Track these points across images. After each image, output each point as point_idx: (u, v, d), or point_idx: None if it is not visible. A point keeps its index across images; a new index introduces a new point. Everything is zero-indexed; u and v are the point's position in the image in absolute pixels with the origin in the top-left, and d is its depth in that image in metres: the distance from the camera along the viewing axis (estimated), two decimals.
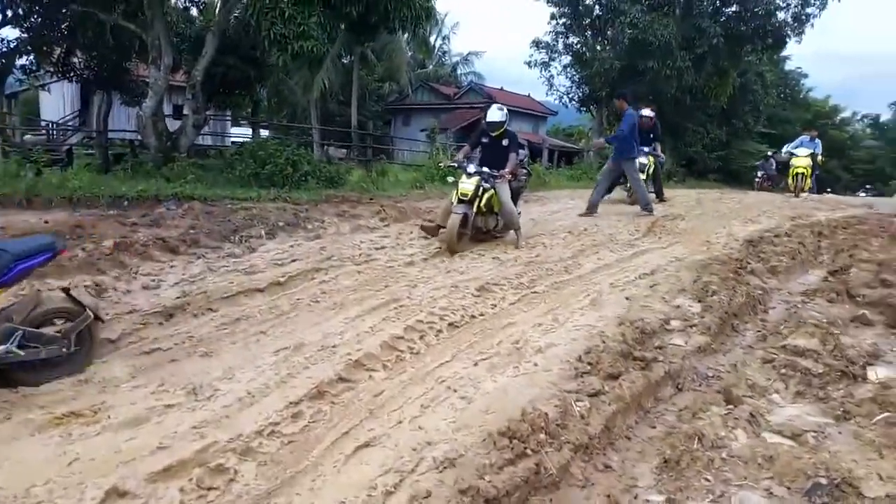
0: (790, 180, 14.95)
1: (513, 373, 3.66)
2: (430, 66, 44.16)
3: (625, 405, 3.04)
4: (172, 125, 14.63)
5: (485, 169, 7.03)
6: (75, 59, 17.12)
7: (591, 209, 9.92)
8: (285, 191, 10.62)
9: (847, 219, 10.23)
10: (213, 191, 9.87)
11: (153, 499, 2.57)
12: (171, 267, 5.63)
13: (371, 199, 10.39)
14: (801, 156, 14.67)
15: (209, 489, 2.71)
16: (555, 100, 28.05)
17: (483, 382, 3.56)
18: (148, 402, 3.26)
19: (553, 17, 26.26)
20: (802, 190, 14.68)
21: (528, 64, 26.77)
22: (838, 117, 51.85)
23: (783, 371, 3.32)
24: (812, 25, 23.04)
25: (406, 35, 29.20)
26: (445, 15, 40.60)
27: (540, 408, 2.83)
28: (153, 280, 5.24)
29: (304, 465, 2.91)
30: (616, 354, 3.48)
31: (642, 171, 11.15)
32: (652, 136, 11.87)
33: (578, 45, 26.15)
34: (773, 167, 22.47)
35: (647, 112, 11.98)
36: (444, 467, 2.75)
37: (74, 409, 3.14)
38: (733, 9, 23.33)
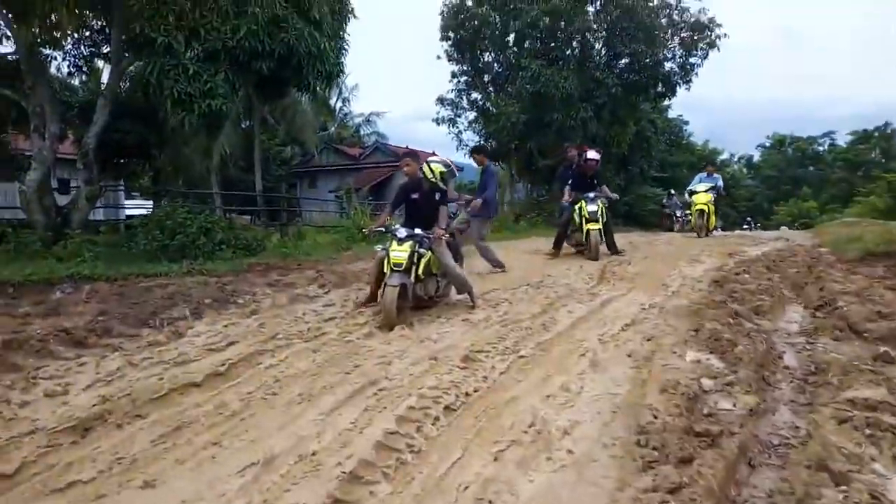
0: (693, 219, 14.19)
1: (550, 467, 2.97)
2: (333, 129, 43.70)
3: (715, 500, 2.42)
4: (59, 200, 13.12)
5: (417, 231, 6.22)
6: None
7: (497, 265, 9.26)
8: (199, 263, 9.53)
9: (779, 252, 10.39)
10: (117, 268, 8.63)
11: None
12: (81, 365, 4.55)
13: (299, 265, 9.49)
14: (701, 191, 13.82)
15: None
16: (464, 155, 28.14)
17: (519, 485, 2.83)
18: None
19: (454, 74, 26.62)
20: (707, 229, 13.81)
21: (436, 121, 26.82)
22: (718, 159, 55.85)
23: (868, 432, 2.84)
24: (697, 74, 24.58)
25: (307, 97, 28.68)
26: (346, 76, 40.58)
27: None
28: (58, 384, 4.16)
29: None
30: (680, 432, 2.88)
31: (594, 221, 9.92)
32: (595, 180, 10.36)
33: (482, 101, 26.54)
34: (678, 206, 23.35)
35: (592, 154, 10.41)
36: None
37: None
38: (625, 60, 24.50)
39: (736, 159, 63.82)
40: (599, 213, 9.95)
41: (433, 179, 6.69)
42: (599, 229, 9.98)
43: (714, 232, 14.59)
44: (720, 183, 14.20)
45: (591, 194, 10.04)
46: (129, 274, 8.10)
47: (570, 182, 10.55)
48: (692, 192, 14.19)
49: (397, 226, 6.42)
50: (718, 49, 23.76)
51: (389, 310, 5.74)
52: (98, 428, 3.61)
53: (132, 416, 3.76)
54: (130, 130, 13.11)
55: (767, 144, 64.24)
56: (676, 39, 24.21)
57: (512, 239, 15.12)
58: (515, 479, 2.87)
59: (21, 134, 15.60)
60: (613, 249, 10.44)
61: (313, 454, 3.11)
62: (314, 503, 2.65)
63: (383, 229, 6.52)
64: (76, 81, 15.94)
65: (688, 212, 22.00)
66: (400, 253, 5.99)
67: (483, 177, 9.59)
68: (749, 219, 42.75)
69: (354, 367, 4.44)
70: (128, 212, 24.57)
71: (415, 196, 6.67)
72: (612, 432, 3.22)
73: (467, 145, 27.15)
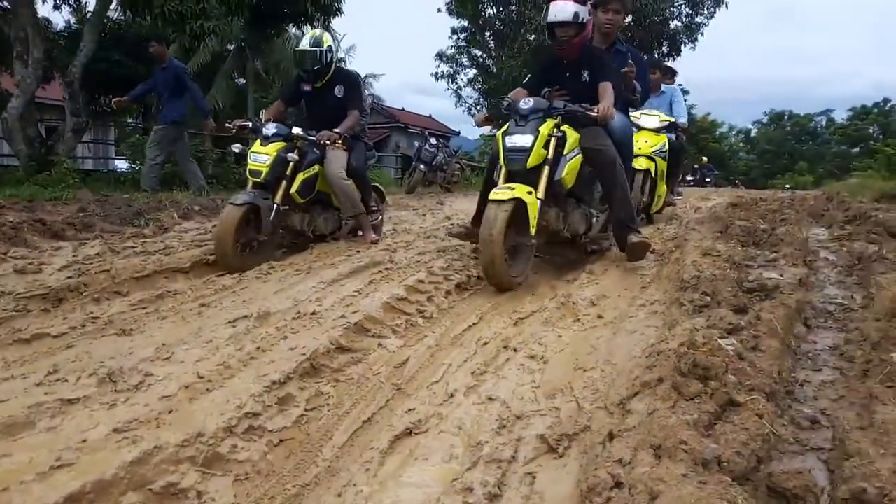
0: None
1: (579, 326, 2.64)
2: None
3: (778, 345, 2.08)
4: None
5: (296, 130, 4.39)
6: None
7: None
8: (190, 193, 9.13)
9: (790, 196, 10.09)
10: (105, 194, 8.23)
11: None
12: (57, 250, 4.17)
13: None
14: (647, 128, 6.23)
15: None
16: (463, 111, 27.58)
17: (545, 337, 2.51)
18: (31, 397, 1.94)
19: (454, 30, 26.02)
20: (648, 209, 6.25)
21: (434, 76, 26.26)
22: (717, 132, 55.53)
23: None
24: (702, 34, 24.06)
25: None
26: (343, 37, 39.65)
27: (711, 340, 1.81)
28: (31, 263, 3.78)
29: (312, 473, 1.75)
30: (730, 284, 2.54)
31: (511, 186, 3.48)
32: (589, 74, 3.83)
33: (482, 58, 25.97)
34: None
35: (559, 6, 3.73)
36: (565, 446, 1.67)
37: None
38: (630, 17, 23.91)
39: (734, 133, 63.37)
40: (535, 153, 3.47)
41: (315, 58, 4.57)
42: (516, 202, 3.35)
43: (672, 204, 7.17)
44: (680, 106, 6.93)
45: (529, 105, 3.56)
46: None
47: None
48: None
49: (269, 122, 4.49)
50: (727, 6, 23.21)
51: (220, 241, 3.86)
52: (72, 299, 3.24)
53: (111, 292, 3.39)
54: (119, 62, 12.54)
55: (765, 120, 63.83)
56: None
57: None
58: (541, 334, 2.54)
59: (7, 71, 14.96)
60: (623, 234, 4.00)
61: (313, 313, 2.76)
62: (315, 347, 2.31)
63: (248, 124, 4.55)
64: (62, 15, 15.33)
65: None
66: (260, 157, 4.20)
67: (166, 75, 7.67)
68: (707, 169, 24.58)
69: (356, 252, 4.09)
70: (119, 169, 23.93)
71: (307, 88, 4.80)
72: (646, 297, 2.90)
73: (466, 102, 26.68)
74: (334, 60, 4.74)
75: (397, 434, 1.90)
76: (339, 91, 4.75)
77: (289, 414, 2.01)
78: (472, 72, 26.58)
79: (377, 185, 5.42)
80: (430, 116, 41.07)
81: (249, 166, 4.27)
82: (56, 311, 3.08)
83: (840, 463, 1.47)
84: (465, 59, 26.49)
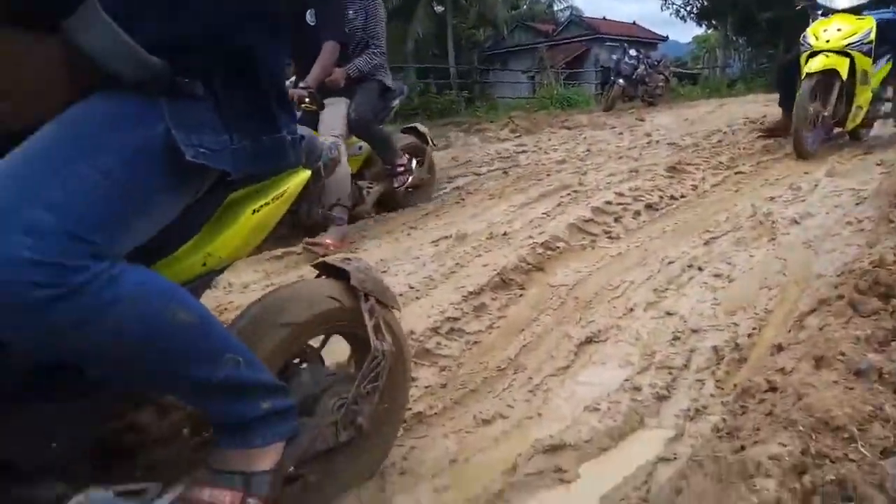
0: (798, 94, 4.13)
1: (772, 246, 2.57)
2: (524, 6, 41.90)
3: None
4: None
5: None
6: None
7: None
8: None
9: None
10: None
11: None
12: None
13: (491, 121, 9.36)
14: (837, 7, 4.37)
15: None
16: (671, 14, 25.45)
17: (735, 256, 2.51)
18: None
19: None
20: (839, 124, 4.46)
21: None
22: None
23: None
24: None
25: None
26: None
27: None
28: None
29: (500, 367, 2.02)
30: None
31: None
32: None
33: None
34: None
35: None
36: (735, 358, 1.75)
37: None
38: None
39: None
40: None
41: None
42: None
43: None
44: None
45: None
46: None
47: None
48: (823, 10, 4.41)
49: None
50: None
51: None
52: None
53: None
54: None
55: None
56: None
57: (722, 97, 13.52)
58: (731, 254, 2.54)
59: None
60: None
61: (504, 234, 3.02)
62: (504, 264, 2.56)
63: None
64: None
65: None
66: None
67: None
68: None
69: (546, 175, 4.25)
70: None
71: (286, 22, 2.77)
72: (857, 214, 2.71)
73: (674, 4, 24.54)
74: None
75: (577, 341, 2.10)
76: (310, 17, 3.44)
77: (482, 320, 2.30)
78: None
79: (416, 126, 4.32)
80: (633, 23, 38.46)
81: None
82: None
83: None
84: None
